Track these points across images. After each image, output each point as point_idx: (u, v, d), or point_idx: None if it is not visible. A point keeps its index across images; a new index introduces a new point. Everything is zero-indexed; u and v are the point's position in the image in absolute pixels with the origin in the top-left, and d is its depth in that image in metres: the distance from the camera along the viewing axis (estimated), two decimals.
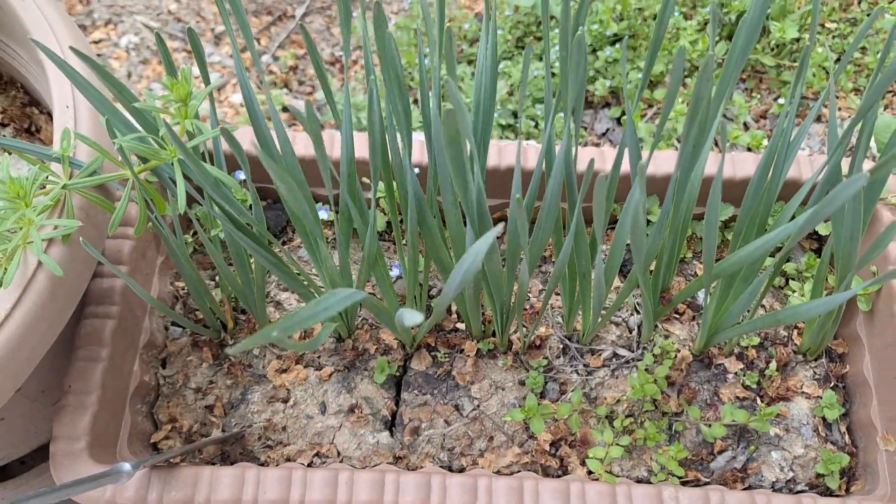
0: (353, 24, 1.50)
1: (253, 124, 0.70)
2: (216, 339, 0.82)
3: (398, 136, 0.68)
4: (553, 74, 1.41)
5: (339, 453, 0.76)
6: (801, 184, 0.80)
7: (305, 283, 0.75)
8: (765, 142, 1.38)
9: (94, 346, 0.71)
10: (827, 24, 1.60)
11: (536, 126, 1.41)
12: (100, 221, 0.66)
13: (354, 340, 0.83)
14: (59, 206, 0.63)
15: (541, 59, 1.45)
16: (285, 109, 1.40)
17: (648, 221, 0.84)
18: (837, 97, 1.59)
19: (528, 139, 1.38)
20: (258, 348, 0.82)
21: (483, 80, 0.63)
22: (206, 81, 0.64)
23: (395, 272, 0.82)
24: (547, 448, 0.75)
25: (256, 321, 0.82)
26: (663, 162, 0.82)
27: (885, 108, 1.53)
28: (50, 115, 0.84)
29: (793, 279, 0.84)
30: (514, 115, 1.43)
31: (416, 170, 0.72)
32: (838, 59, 1.58)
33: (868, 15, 1.67)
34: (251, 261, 0.77)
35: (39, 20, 0.73)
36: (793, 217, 0.80)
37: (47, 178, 0.64)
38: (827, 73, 1.53)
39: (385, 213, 0.87)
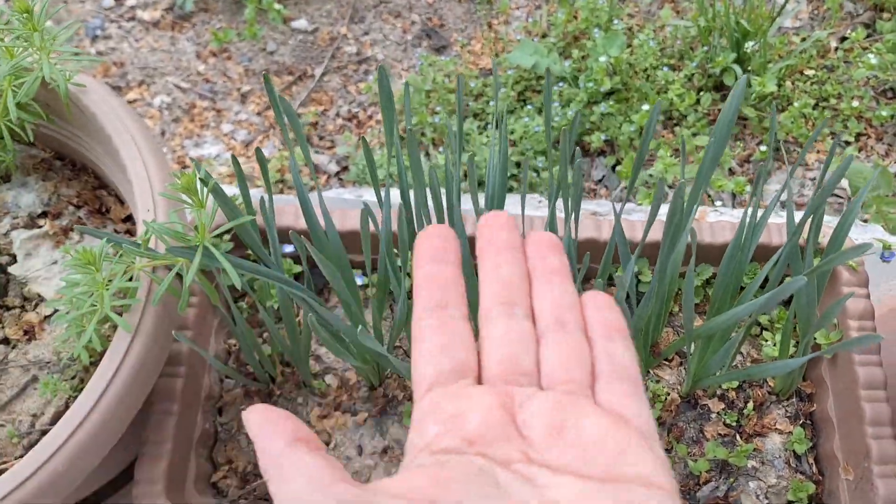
0: (367, 83, 1.63)
1: (304, 211, 0.81)
2: (265, 389, 0.94)
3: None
4: (553, 128, 1.54)
5: None
6: (772, 248, 0.93)
7: (347, 340, 0.87)
8: (747, 188, 1.51)
9: (166, 401, 0.83)
10: (805, 72, 1.73)
11: (538, 175, 1.53)
12: (173, 301, 0.79)
13: (385, 388, 0.95)
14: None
15: (540, 113, 1.58)
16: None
17: (640, 281, 0.97)
18: (816, 140, 1.72)
19: (530, 188, 1.51)
20: (302, 397, 0.94)
21: (495, 182, 0.76)
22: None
23: None
24: None
25: (300, 373, 0.94)
26: (652, 230, 0.94)
27: (860, 150, 1.65)
28: (117, 196, 0.97)
29: (766, 329, 0.96)
30: (517, 164, 1.56)
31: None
32: (816, 105, 1.71)
33: (845, 62, 1.80)
34: (299, 323, 0.89)
35: (115, 122, 0.86)
36: (765, 279, 0.92)
37: (133, 261, 0.76)
38: (806, 118, 1.66)
39: (410, 277, 0.99)
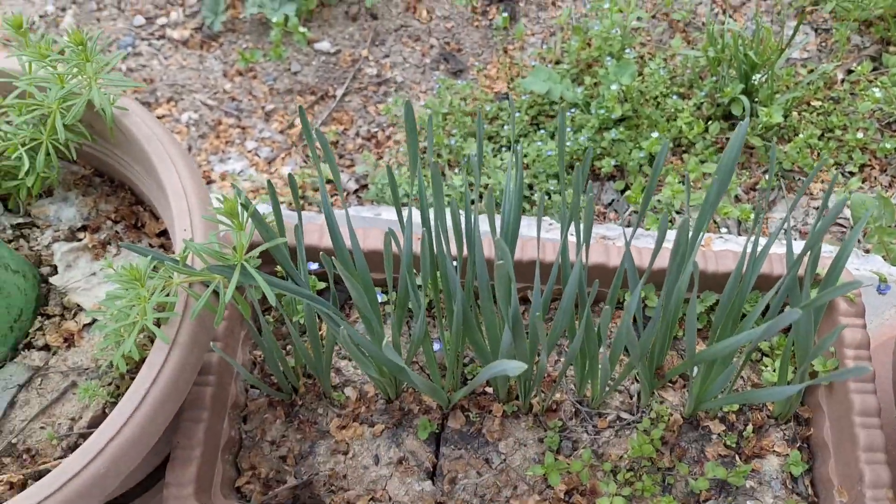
0: (387, 104, 1.69)
1: (330, 232, 0.87)
2: (288, 400, 0.99)
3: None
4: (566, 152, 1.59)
5: (390, 498, 0.93)
6: (773, 277, 0.97)
7: (367, 355, 0.92)
8: (752, 215, 1.56)
9: (196, 409, 0.88)
10: (812, 103, 1.78)
11: (550, 197, 1.58)
12: (208, 315, 0.84)
13: (401, 402, 0.99)
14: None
15: (553, 137, 1.63)
16: (329, 181, 1.59)
17: (646, 306, 1.01)
18: (822, 170, 1.76)
19: (545, 213, 1.56)
20: (322, 408, 0.99)
21: (511, 208, 0.81)
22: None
23: (436, 346, 0.99)
24: (562, 496, 0.92)
25: (321, 385, 0.99)
26: (659, 257, 0.99)
27: (864, 181, 1.70)
28: (152, 212, 1.02)
29: (767, 355, 1.01)
30: (530, 187, 1.61)
31: (454, 262, 0.89)
32: (822, 136, 1.75)
33: (851, 94, 1.84)
34: (321, 336, 0.94)
35: (156, 144, 0.91)
36: (767, 306, 0.97)
37: (170, 277, 0.81)
38: (811, 149, 1.71)
39: (428, 295, 1.04)
